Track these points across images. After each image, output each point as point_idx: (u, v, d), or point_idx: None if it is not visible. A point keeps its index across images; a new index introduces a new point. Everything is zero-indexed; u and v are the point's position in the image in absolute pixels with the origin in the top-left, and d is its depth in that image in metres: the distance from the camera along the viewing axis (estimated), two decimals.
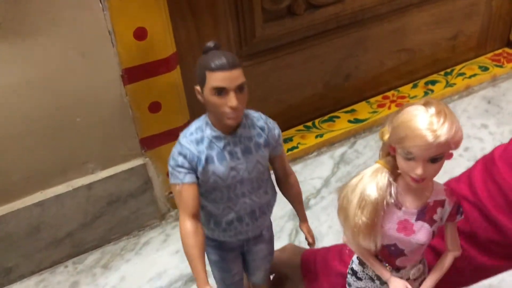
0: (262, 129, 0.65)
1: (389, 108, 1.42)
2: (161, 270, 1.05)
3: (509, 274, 0.96)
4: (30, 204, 0.99)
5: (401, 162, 0.55)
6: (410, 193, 0.58)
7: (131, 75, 0.96)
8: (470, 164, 1.28)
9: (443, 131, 0.51)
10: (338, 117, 1.40)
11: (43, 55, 0.88)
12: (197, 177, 0.62)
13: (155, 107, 1.02)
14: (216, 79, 0.57)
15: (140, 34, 0.93)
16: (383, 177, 0.57)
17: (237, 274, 0.76)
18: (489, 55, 1.62)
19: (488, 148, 1.28)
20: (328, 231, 1.08)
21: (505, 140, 1.36)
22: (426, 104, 0.53)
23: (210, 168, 0.62)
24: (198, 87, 0.60)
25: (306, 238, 0.74)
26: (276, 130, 0.66)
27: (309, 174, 1.26)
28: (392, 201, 0.58)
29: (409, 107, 0.54)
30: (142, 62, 0.96)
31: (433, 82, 1.51)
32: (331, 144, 1.34)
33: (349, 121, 1.38)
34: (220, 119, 0.60)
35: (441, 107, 0.52)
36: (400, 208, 0.58)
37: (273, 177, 0.72)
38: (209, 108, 0.61)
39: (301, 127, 1.37)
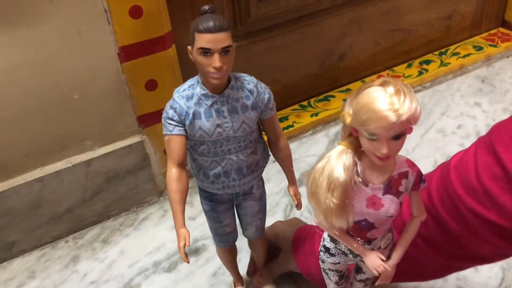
0: (250, 92, 0.68)
1: None
2: (159, 244, 1.08)
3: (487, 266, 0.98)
4: (31, 180, 1.01)
5: (365, 143, 0.56)
6: (375, 169, 0.59)
7: (128, 53, 0.98)
8: (463, 141, 1.31)
9: (404, 110, 0.52)
10: (333, 96, 1.42)
11: (41, 35, 0.90)
12: (186, 130, 0.67)
13: (151, 85, 1.04)
14: (202, 40, 0.61)
15: (136, 12, 0.94)
16: (348, 158, 0.58)
17: (228, 226, 0.81)
18: (483, 35, 1.63)
19: (480, 125, 1.30)
20: None
21: (498, 118, 1.39)
22: (384, 84, 0.54)
23: (197, 123, 0.66)
24: (189, 47, 0.64)
25: (293, 200, 0.78)
26: (267, 95, 0.69)
27: (304, 151, 1.28)
28: (360, 179, 0.59)
29: (368, 88, 0.54)
30: (138, 40, 0.97)
31: (428, 62, 1.53)
32: (326, 122, 1.36)
33: (344, 100, 1.39)
34: (206, 78, 0.65)
35: (399, 86, 0.53)
36: (367, 185, 0.60)
37: None
38: (197, 67, 0.65)
39: (296, 106, 1.39)
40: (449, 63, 1.51)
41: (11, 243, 1.05)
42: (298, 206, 0.78)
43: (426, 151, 1.25)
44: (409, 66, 1.52)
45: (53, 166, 1.03)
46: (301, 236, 0.87)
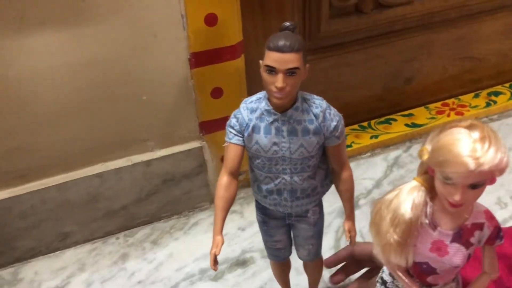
0: (316, 116, 0.66)
1: (448, 115, 1.39)
2: (207, 251, 1.04)
3: None
4: (91, 175, 1.03)
5: (439, 185, 0.52)
6: (447, 214, 0.55)
7: (198, 59, 0.98)
8: None
9: (486, 159, 0.47)
10: (395, 119, 1.39)
11: (118, 34, 0.91)
12: (244, 141, 0.68)
13: (217, 93, 1.04)
14: (270, 58, 0.60)
15: (211, 20, 0.95)
16: (420, 196, 0.55)
17: (279, 242, 0.79)
18: None
19: None
20: None
21: None
22: (471, 128, 0.50)
23: (255, 137, 0.66)
24: (261, 61, 0.63)
25: (346, 237, 0.74)
26: (334, 122, 0.66)
27: (361, 174, 1.26)
28: (427, 221, 0.56)
29: (452, 128, 0.51)
30: (210, 48, 0.98)
31: (497, 94, 1.47)
32: (385, 146, 1.33)
33: (406, 125, 1.36)
34: (269, 95, 0.65)
35: (487, 132, 0.49)
36: (435, 229, 0.56)
37: None
38: (263, 83, 0.64)
39: (356, 126, 1.37)
40: None
41: (65, 234, 1.08)
42: (351, 243, 0.73)
43: (489, 187, 1.19)
44: (477, 96, 1.47)
45: (113, 162, 1.05)
46: None
